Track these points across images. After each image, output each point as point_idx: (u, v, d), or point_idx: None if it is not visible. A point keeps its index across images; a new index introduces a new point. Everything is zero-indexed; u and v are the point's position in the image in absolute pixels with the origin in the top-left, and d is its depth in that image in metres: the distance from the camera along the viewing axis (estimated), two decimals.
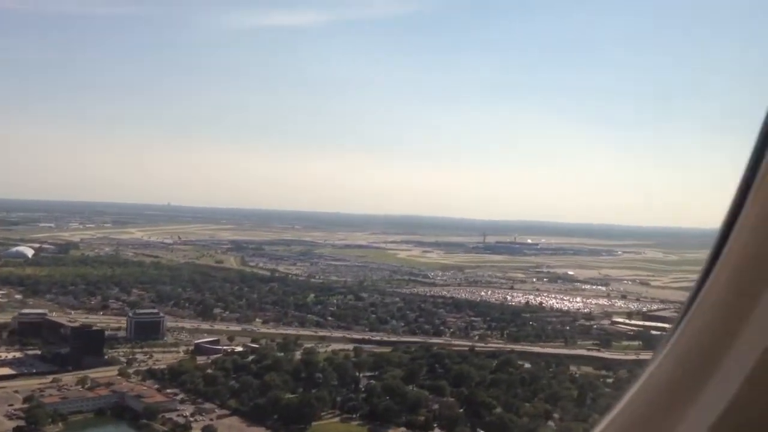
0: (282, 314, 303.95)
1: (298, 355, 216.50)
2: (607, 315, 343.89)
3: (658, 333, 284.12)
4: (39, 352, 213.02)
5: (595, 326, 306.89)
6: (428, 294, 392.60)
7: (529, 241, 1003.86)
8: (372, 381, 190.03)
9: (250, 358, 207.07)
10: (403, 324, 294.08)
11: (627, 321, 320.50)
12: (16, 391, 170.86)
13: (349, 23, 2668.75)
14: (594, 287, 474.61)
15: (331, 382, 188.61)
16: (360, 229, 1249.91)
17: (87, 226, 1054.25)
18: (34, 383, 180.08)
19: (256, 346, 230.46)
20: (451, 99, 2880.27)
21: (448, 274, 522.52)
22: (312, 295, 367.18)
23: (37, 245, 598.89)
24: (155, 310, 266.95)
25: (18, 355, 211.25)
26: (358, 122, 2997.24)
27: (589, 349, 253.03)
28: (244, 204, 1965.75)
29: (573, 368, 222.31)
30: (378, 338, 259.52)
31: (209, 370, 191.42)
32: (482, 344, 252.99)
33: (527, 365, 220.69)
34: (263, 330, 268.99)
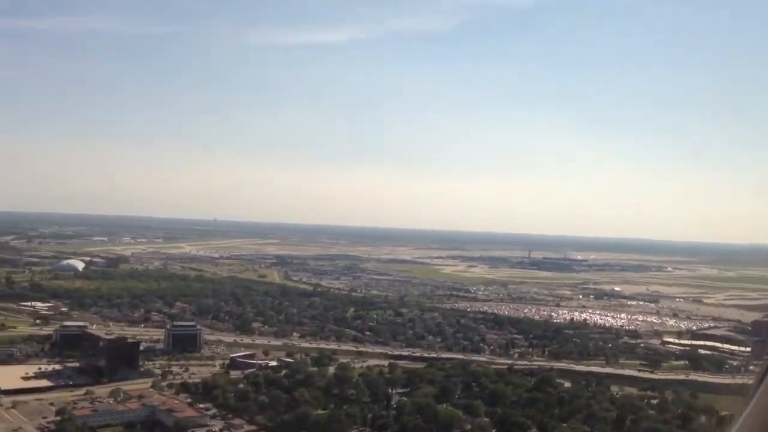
0: (320, 328, 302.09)
1: (331, 369, 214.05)
2: (656, 333, 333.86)
3: (709, 353, 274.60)
4: (78, 364, 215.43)
5: (642, 344, 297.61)
6: (469, 309, 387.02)
7: (578, 257, 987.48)
8: (404, 398, 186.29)
9: (283, 372, 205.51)
10: (440, 340, 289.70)
11: (676, 340, 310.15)
12: (51, 404, 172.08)
13: (385, 38, 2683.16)
14: (643, 304, 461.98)
15: (363, 399, 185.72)
16: (404, 244, 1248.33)
17: (138, 240, 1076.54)
18: (68, 395, 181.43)
19: (291, 360, 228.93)
20: (489, 110, 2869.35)
21: (491, 289, 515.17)
22: (352, 310, 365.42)
23: (88, 259, 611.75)
24: (192, 323, 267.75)
25: (57, 367, 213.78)
26: (399, 136, 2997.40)
27: (639, 370, 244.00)
28: (291, 219, 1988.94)
29: (615, 388, 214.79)
30: (415, 354, 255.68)
31: (241, 385, 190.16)
32: (522, 362, 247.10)
33: (567, 384, 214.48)
34: (300, 344, 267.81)
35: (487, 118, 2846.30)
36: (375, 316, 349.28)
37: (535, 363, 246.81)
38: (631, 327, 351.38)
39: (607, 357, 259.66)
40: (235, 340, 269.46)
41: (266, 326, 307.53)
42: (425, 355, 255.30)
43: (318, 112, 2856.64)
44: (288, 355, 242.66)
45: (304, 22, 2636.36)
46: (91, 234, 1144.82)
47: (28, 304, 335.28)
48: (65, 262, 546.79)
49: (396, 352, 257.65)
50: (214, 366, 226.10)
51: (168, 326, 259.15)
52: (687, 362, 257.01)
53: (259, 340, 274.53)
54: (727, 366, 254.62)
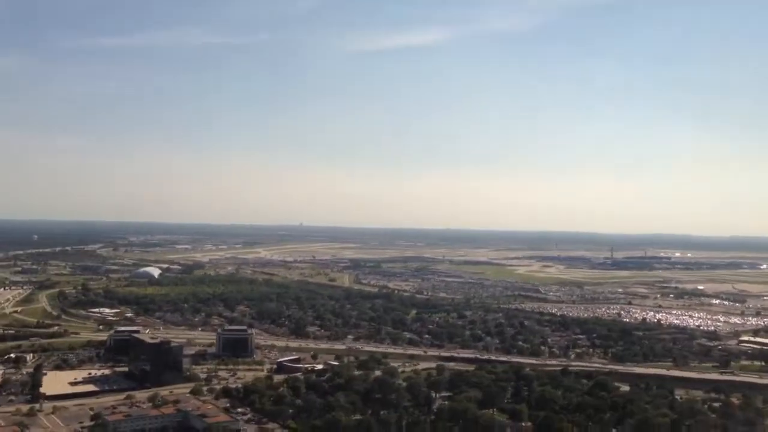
0: (376, 331, 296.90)
1: (377, 373, 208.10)
2: (735, 333, 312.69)
3: None
4: (126, 368, 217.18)
5: (718, 345, 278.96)
6: (536, 311, 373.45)
7: (662, 254, 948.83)
8: (446, 402, 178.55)
9: (325, 376, 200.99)
10: (499, 342, 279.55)
11: (754, 339, 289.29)
12: (91, 409, 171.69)
13: (471, 38, 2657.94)
14: (727, 303, 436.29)
15: (403, 403, 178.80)
16: (483, 246, 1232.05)
17: (219, 247, 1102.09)
18: (110, 400, 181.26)
19: (336, 364, 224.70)
20: (576, 109, 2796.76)
21: (564, 290, 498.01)
22: (414, 312, 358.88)
23: (165, 266, 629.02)
24: (244, 328, 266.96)
25: (107, 371, 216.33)
26: (482, 137, 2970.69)
27: (722, 372, 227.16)
28: (373, 223, 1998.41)
29: (682, 392, 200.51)
30: (470, 356, 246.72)
31: (281, 389, 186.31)
32: (580, 364, 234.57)
33: (626, 388, 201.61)
34: (352, 347, 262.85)
35: (572, 117, 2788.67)
36: (437, 318, 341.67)
37: (593, 365, 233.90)
38: (710, 327, 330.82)
39: (675, 359, 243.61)
40: (287, 344, 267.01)
41: (323, 330, 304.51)
42: (480, 357, 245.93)
43: (400, 115, 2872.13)
44: (337, 358, 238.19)
45: (394, 26, 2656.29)
46: (176, 242, 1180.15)
47: (97, 310, 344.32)
48: (142, 269, 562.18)
49: (449, 355, 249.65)
50: (262, 370, 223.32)
51: (219, 330, 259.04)
52: (763, 363, 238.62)
53: (314, 344, 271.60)
54: None
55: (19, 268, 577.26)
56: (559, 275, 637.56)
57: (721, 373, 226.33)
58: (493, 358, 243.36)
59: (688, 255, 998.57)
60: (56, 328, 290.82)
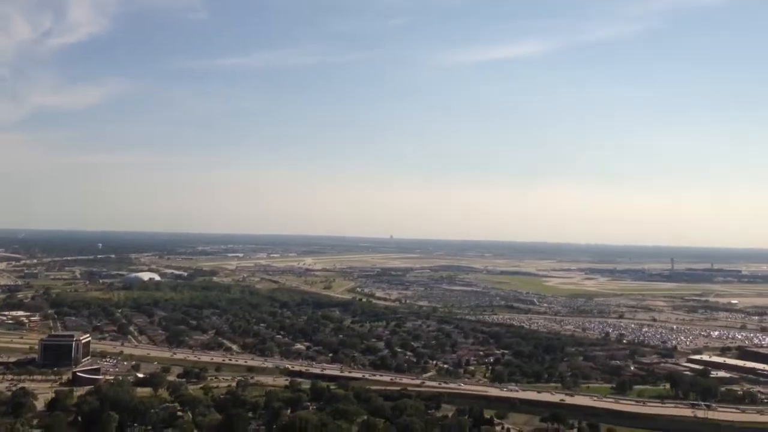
0: (260, 341, 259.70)
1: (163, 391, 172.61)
2: (696, 351, 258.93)
3: (729, 375, 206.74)
4: None
5: (660, 364, 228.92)
6: (496, 322, 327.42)
7: (737, 269, 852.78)
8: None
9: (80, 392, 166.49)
10: (391, 354, 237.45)
11: (701, 358, 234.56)
12: None
13: (570, 50, 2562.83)
14: (742, 317, 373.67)
15: (129, 423, 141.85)
16: (552, 257, 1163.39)
17: (271, 255, 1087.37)
18: None
19: (143, 377, 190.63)
20: (672, 119, 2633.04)
21: (562, 301, 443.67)
22: (350, 320, 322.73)
23: (170, 271, 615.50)
24: (70, 334, 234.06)
25: None
26: (575, 150, 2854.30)
27: (609, 395, 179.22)
28: (466, 236, 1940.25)
29: (523, 417, 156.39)
30: (317, 371, 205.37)
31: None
32: (433, 385, 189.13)
33: (450, 411, 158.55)
34: (196, 357, 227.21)
35: (668, 127, 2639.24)
36: (368, 327, 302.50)
37: (438, 386, 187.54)
38: (681, 344, 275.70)
39: (563, 379, 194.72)
40: (131, 353, 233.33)
41: (207, 336, 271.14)
42: (335, 373, 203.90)
43: (492, 131, 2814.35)
44: (163, 370, 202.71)
45: (486, 39, 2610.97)
46: (233, 251, 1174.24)
47: (8, 313, 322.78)
48: (133, 275, 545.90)
49: (298, 369, 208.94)
50: (56, 382, 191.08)
51: (43, 337, 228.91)
52: (666, 385, 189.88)
53: (169, 353, 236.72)
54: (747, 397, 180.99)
55: (22, 273, 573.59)
56: (588, 287, 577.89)
57: (609, 396, 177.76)
58: (328, 373, 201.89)
59: (764, 268, 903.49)
60: None
